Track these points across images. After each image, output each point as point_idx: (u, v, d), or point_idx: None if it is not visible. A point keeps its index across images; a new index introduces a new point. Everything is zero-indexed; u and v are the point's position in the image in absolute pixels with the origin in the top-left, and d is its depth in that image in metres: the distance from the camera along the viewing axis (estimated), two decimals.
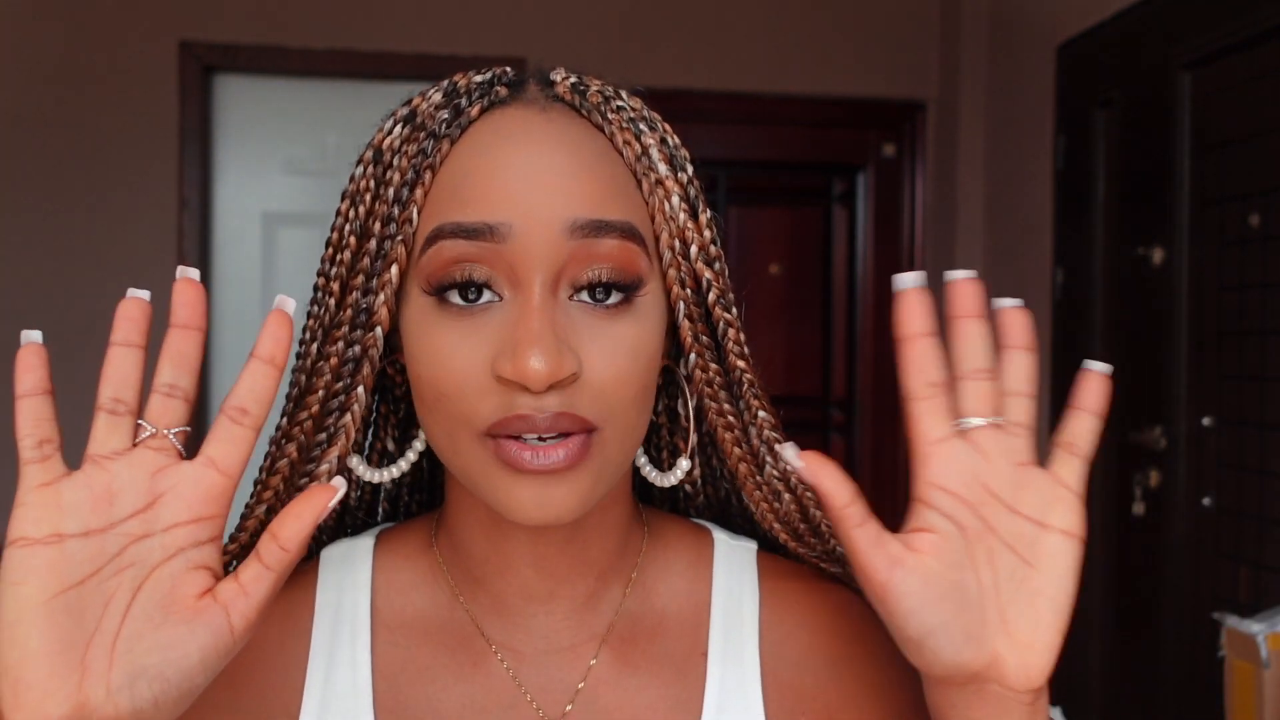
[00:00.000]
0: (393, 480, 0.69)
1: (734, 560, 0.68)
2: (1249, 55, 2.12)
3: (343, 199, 0.60)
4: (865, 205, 3.36)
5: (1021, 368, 0.54)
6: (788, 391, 3.36)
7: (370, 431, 0.67)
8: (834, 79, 3.26)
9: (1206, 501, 2.22)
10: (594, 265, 0.55)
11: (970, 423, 0.52)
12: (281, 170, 3.09)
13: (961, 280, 0.53)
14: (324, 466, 0.60)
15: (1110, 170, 2.57)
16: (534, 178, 0.55)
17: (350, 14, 3.04)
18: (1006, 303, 0.55)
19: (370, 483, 0.69)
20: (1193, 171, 2.27)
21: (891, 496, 3.36)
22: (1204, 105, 2.25)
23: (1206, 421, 2.22)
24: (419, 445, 0.65)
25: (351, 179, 0.60)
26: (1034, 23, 2.90)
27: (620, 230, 0.56)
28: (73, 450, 0.49)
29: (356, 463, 0.63)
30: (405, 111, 0.60)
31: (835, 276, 3.40)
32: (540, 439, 0.54)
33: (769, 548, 0.70)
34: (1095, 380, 0.55)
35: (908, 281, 0.52)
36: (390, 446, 0.69)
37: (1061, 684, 2.66)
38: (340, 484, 0.53)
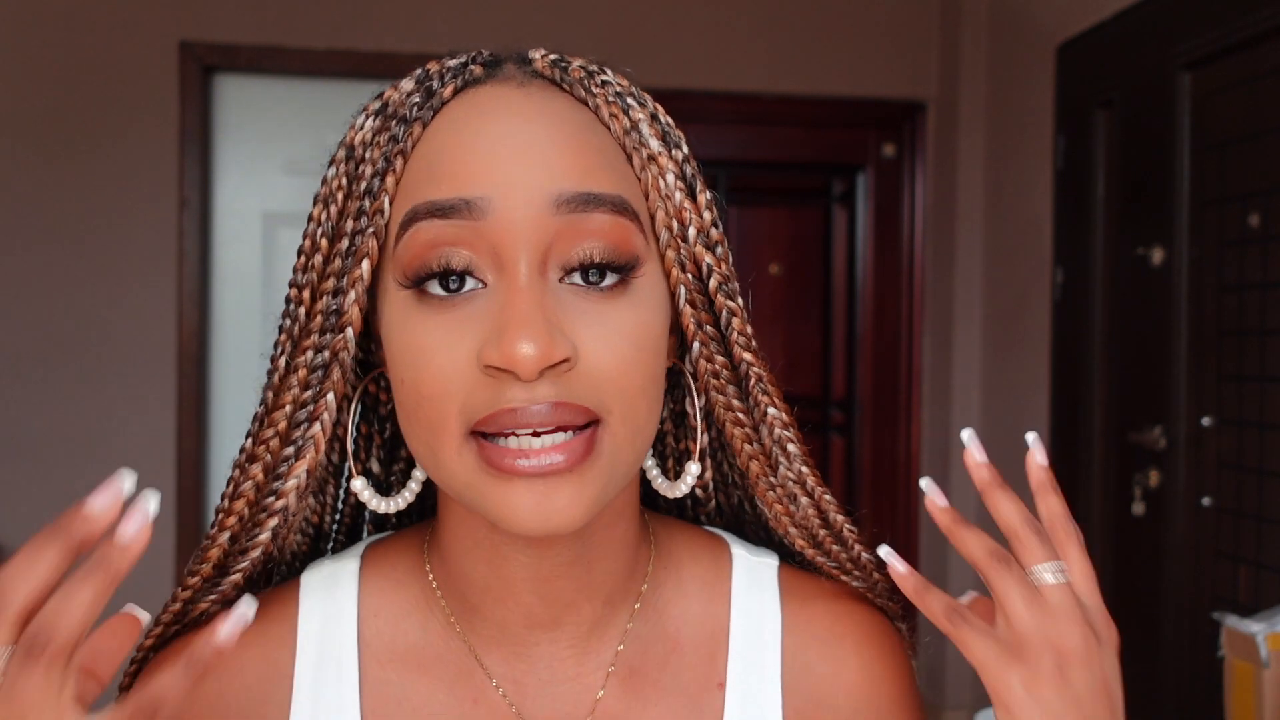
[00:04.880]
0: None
1: (754, 579, 0.62)
2: (1249, 55, 2.12)
3: (315, 203, 0.56)
4: (865, 205, 3.36)
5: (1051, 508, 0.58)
6: (787, 391, 3.35)
7: (351, 454, 0.63)
8: (834, 79, 3.26)
9: (1206, 501, 2.22)
10: (584, 242, 0.50)
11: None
12: (281, 170, 3.09)
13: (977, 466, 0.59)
14: (292, 482, 0.55)
15: (1110, 170, 2.57)
16: (513, 149, 0.51)
17: (350, 14, 3.04)
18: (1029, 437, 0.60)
19: (354, 506, 0.65)
20: (1193, 171, 2.27)
21: (891, 496, 3.36)
22: (1204, 105, 2.25)
23: (1206, 421, 2.22)
24: (420, 473, 0.60)
25: (324, 181, 0.56)
26: (1034, 23, 2.90)
27: (611, 204, 0.51)
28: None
29: (360, 486, 0.58)
30: (377, 105, 0.56)
31: (835, 276, 3.40)
32: (535, 434, 0.49)
33: (788, 557, 0.65)
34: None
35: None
36: (375, 469, 0.64)
37: None
38: (144, 616, 0.47)
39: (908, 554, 3.32)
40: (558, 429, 0.49)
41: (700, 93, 3.16)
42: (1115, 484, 2.50)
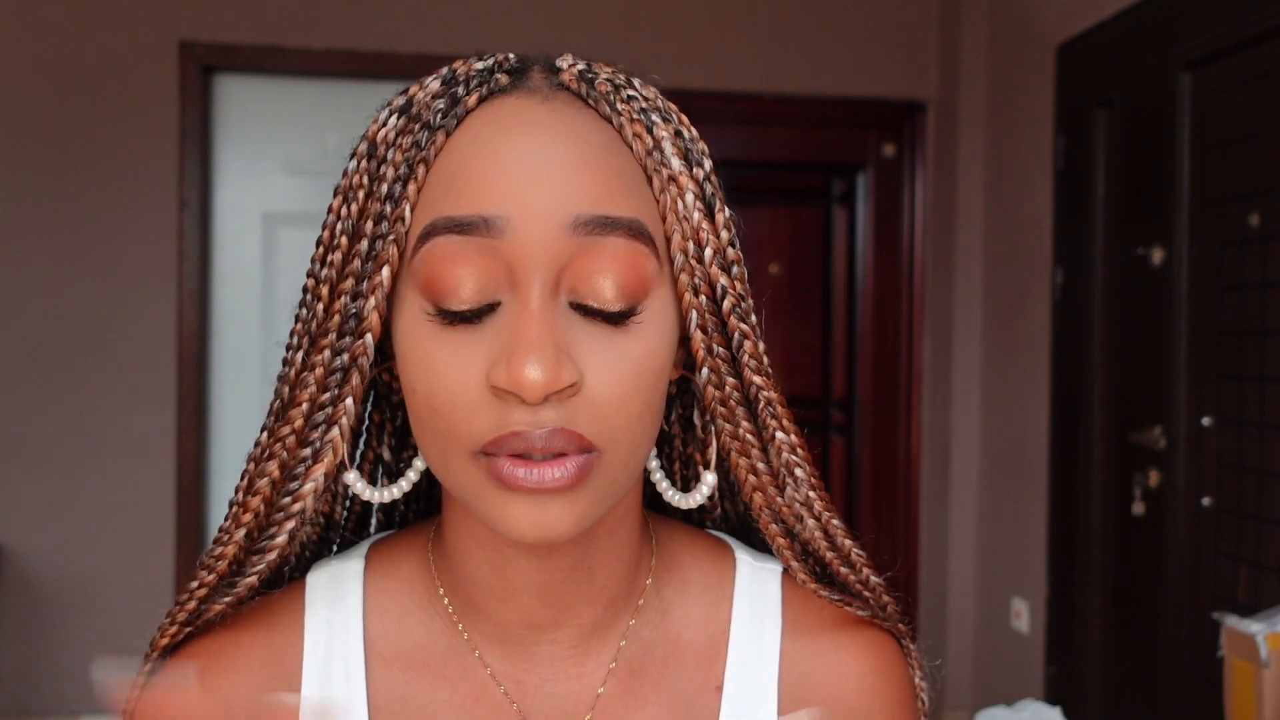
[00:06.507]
0: None
1: (757, 585, 0.63)
2: (1249, 55, 2.12)
3: (335, 195, 0.56)
4: (865, 205, 3.36)
5: None
6: (787, 391, 3.35)
7: (363, 440, 0.63)
8: (834, 79, 3.26)
9: (1206, 501, 2.22)
10: (597, 275, 0.51)
11: None
12: (281, 170, 3.09)
13: None
14: (309, 485, 0.55)
15: (1110, 170, 2.57)
16: (533, 169, 0.51)
17: (350, 14, 3.04)
18: None
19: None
20: (1193, 171, 2.27)
21: (891, 496, 3.36)
22: (1204, 105, 2.25)
23: (1206, 421, 2.22)
24: (420, 464, 0.61)
25: (345, 174, 0.56)
26: (1034, 23, 2.90)
27: (628, 228, 0.52)
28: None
29: (354, 479, 0.59)
30: (401, 101, 0.56)
31: (835, 276, 3.40)
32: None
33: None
34: None
35: None
36: (386, 456, 0.64)
37: (1062, 684, 2.66)
38: None
39: (907, 554, 3.32)
40: (557, 453, 0.51)
41: (699, 93, 3.16)
42: (1115, 484, 2.50)
